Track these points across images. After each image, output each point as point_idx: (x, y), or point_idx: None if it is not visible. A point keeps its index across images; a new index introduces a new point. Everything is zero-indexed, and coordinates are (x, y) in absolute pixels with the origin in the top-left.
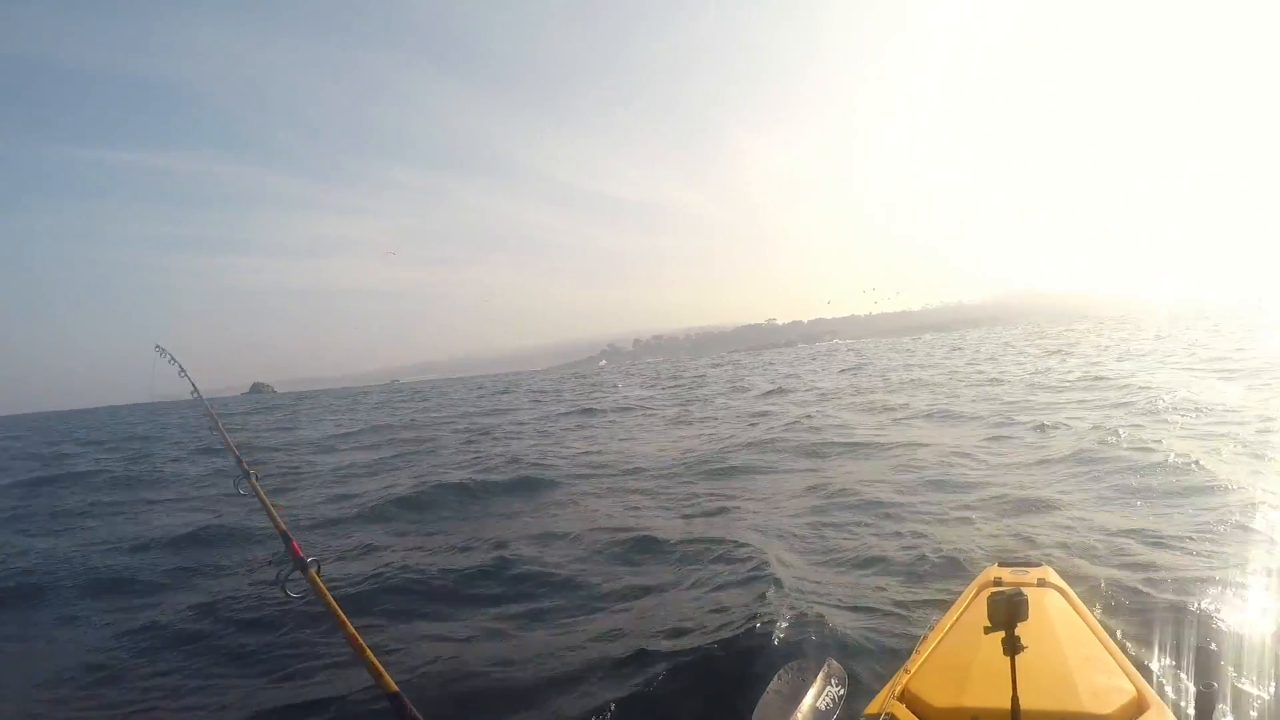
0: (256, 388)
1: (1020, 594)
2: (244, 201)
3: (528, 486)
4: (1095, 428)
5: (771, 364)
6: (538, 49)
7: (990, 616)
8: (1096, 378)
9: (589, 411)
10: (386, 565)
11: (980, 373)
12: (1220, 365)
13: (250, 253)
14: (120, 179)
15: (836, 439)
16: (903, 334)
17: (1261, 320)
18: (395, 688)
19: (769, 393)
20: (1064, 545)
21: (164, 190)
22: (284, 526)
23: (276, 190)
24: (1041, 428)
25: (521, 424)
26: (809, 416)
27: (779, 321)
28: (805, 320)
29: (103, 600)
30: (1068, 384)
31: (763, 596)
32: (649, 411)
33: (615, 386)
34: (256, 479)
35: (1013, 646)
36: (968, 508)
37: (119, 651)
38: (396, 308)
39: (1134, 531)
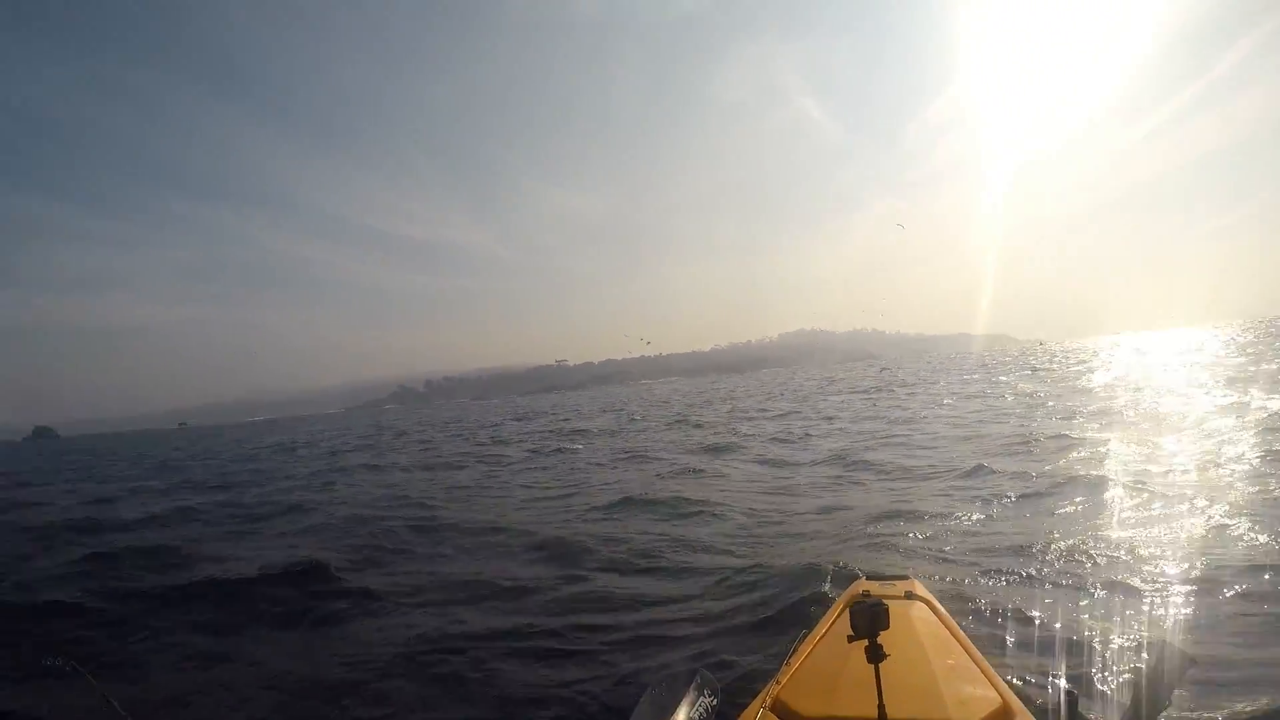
0: (39, 431)
1: (881, 604)
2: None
3: None
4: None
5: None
6: (321, 80)
7: (854, 625)
8: None
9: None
10: None
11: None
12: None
13: (12, 285)
14: None
15: None
16: (696, 374)
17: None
18: None
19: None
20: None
21: None
22: None
23: (42, 220)
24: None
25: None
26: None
27: (570, 363)
28: (596, 361)
29: None
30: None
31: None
32: None
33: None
34: None
35: (876, 654)
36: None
37: None
38: (177, 346)
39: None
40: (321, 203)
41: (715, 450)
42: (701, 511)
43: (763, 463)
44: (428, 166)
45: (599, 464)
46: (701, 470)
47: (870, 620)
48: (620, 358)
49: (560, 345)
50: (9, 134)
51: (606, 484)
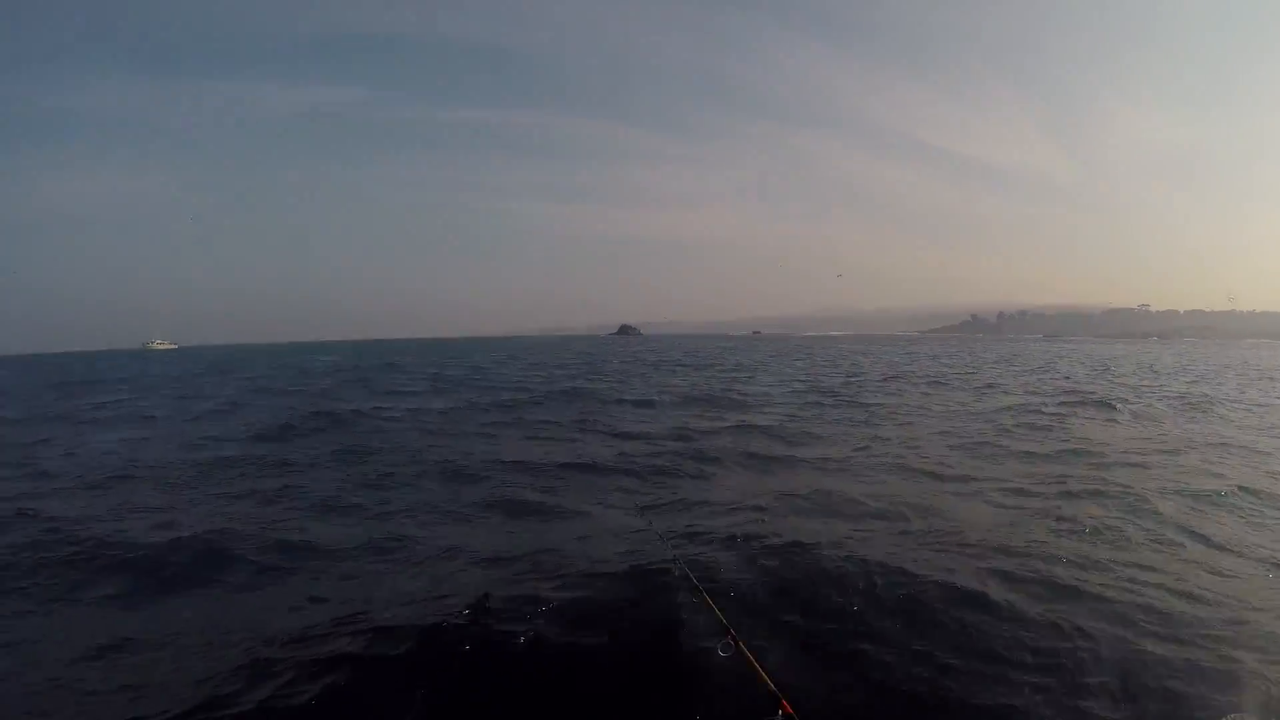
0: (624, 329)
1: None
2: (604, 155)
3: None
4: None
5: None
6: (883, 6)
7: None
8: None
9: None
10: None
11: None
12: None
13: (609, 202)
14: (481, 135)
15: None
16: None
17: None
18: None
19: None
20: None
21: (521, 145)
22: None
23: (634, 146)
24: None
25: None
26: None
27: (1152, 308)
28: (1181, 310)
29: None
30: None
31: None
32: None
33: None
34: None
35: None
36: None
37: None
38: (750, 258)
39: None
40: (895, 125)
41: None
42: None
43: None
44: (999, 87)
45: None
46: None
47: None
48: (1208, 309)
49: (1138, 287)
50: (599, 73)
51: None
